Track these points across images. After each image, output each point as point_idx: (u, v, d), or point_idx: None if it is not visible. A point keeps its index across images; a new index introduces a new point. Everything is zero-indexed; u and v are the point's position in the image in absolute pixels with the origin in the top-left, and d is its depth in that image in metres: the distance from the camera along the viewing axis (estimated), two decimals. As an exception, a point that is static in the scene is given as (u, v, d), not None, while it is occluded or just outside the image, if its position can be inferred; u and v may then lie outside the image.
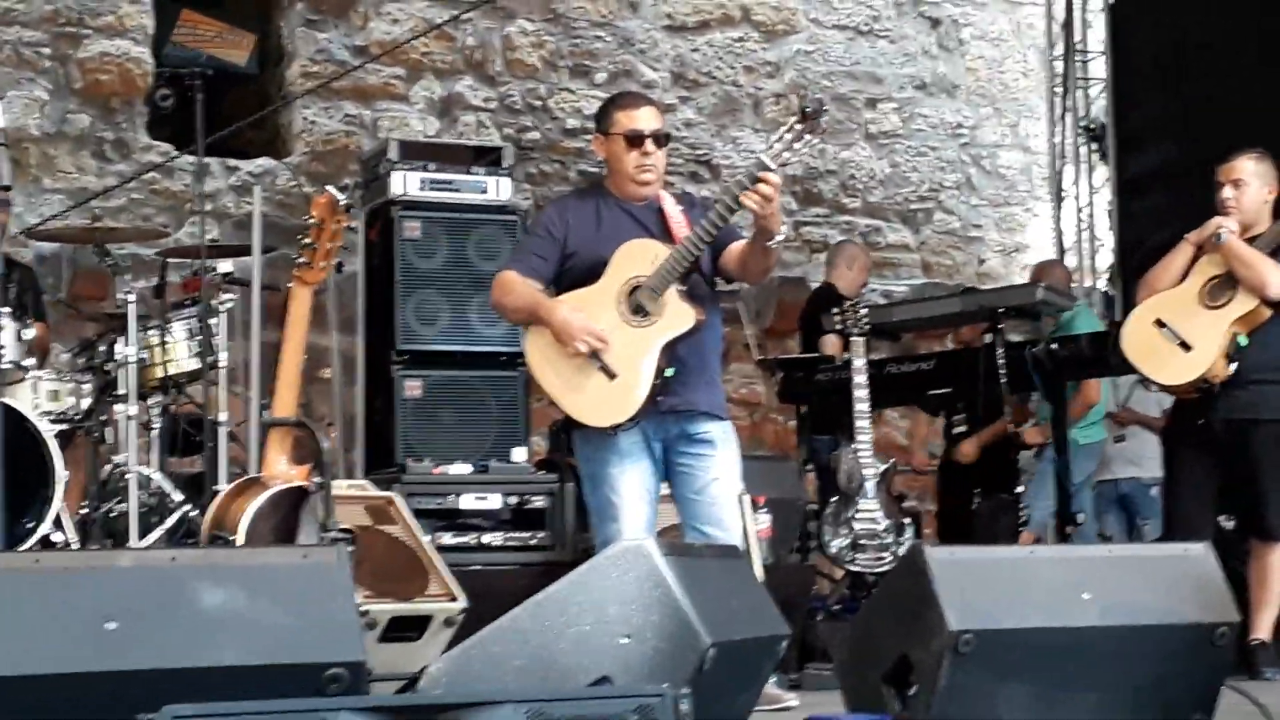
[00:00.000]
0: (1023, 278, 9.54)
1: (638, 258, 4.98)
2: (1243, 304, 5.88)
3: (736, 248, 5.01)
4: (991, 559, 4.28)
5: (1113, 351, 6.55)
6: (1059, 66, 10.13)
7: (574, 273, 5.07)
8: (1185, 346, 5.92)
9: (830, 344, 7.85)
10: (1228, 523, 6.68)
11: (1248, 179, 6.06)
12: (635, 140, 5.08)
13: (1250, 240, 5.97)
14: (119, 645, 3.14)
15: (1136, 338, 6.07)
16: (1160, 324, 5.97)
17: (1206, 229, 6.03)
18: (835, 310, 7.18)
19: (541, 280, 5.07)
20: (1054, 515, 7.50)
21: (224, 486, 5.86)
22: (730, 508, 5.12)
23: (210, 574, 3.32)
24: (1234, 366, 5.87)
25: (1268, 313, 5.89)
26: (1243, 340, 5.88)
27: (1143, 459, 8.18)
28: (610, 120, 5.15)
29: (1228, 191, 6.07)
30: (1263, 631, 6.05)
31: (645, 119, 5.12)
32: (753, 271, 5.05)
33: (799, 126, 4.84)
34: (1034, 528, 7.69)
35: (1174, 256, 6.10)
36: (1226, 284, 5.93)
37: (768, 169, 4.81)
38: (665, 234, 5.04)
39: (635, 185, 5.11)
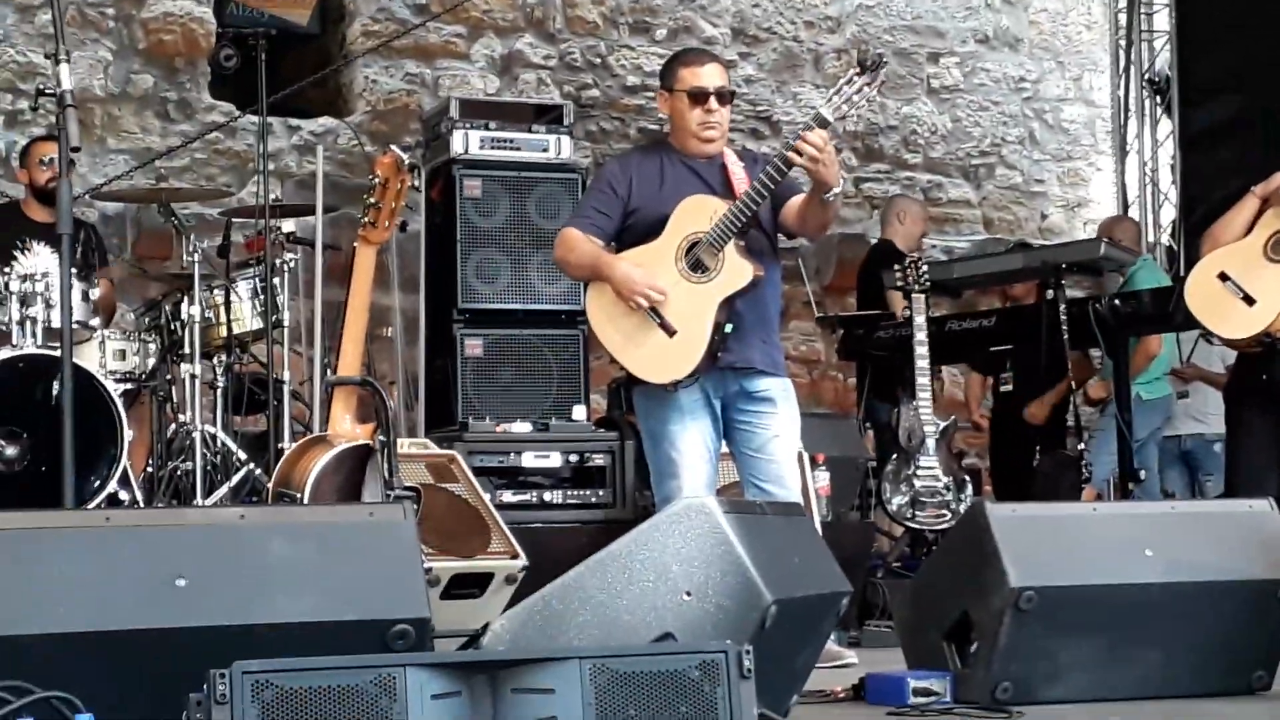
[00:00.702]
0: (1086, 233, 9.49)
1: (697, 214, 4.98)
2: (1309, 258, 5.83)
3: (796, 202, 5.00)
4: (1053, 516, 4.28)
5: (1176, 306, 6.51)
6: (1123, 19, 10.03)
7: (636, 229, 5.08)
8: (1249, 300, 5.87)
9: (894, 300, 7.83)
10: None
11: (1315, 131, 6.01)
12: (700, 97, 5.08)
13: (1318, 194, 5.91)
14: (189, 602, 3.20)
15: (1200, 291, 6.02)
16: (1224, 277, 5.92)
17: (1273, 182, 5.97)
18: (896, 267, 7.16)
19: (604, 236, 5.08)
20: (1116, 471, 7.47)
21: (288, 445, 5.92)
22: (791, 465, 5.13)
23: (278, 531, 3.37)
24: (1298, 321, 5.83)
25: (1334, 267, 5.84)
26: (1308, 294, 5.83)
27: (1206, 414, 8.12)
28: (675, 77, 5.15)
29: (1295, 144, 6.01)
30: (1326, 588, 6.02)
31: (710, 76, 5.11)
32: (811, 226, 5.04)
33: (858, 79, 4.84)
34: (1096, 484, 7.67)
35: (1239, 209, 6.05)
36: (1292, 237, 5.88)
37: (826, 122, 4.81)
38: (728, 191, 5.04)
39: (699, 142, 5.11)
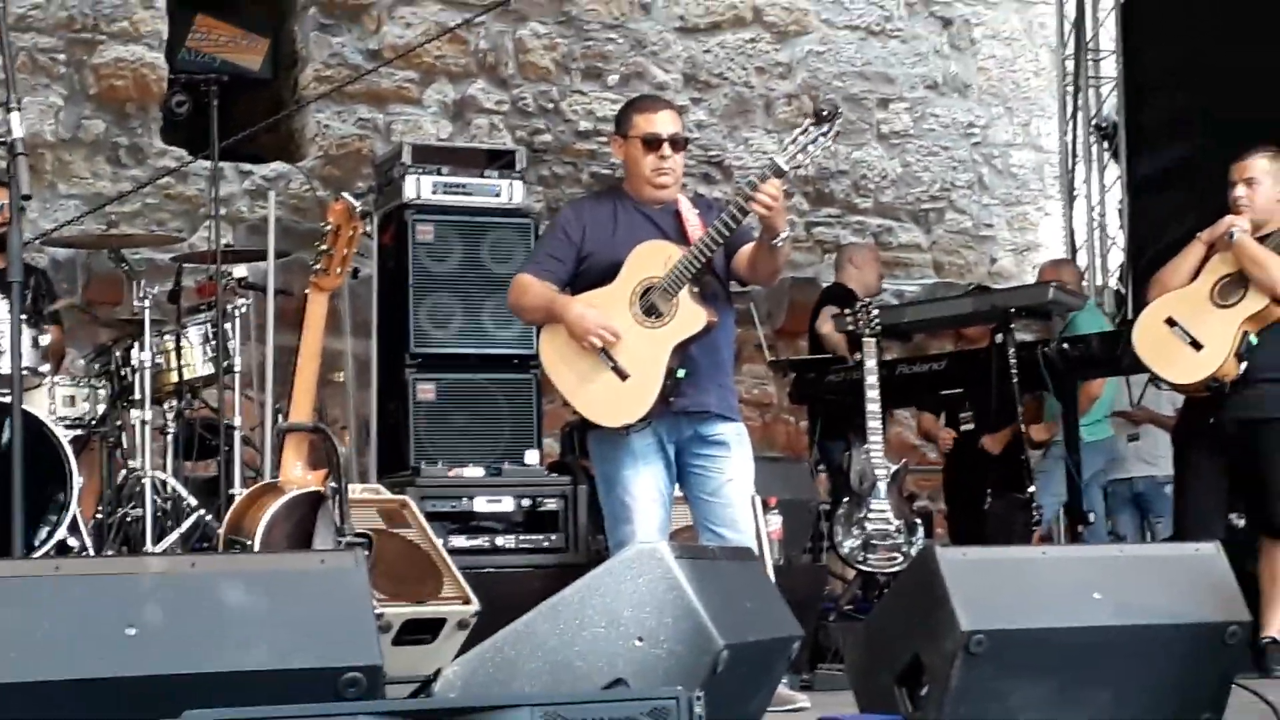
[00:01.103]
0: (1035, 277, 9.54)
1: (651, 259, 5.01)
2: (1254, 303, 5.89)
3: (748, 249, 5.04)
4: (1003, 559, 4.30)
5: (1124, 350, 6.57)
6: (1070, 65, 10.13)
7: (590, 274, 5.10)
8: (1196, 345, 5.93)
9: (836, 340, 7.86)
10: (1239, 521, 6.70)
11: (1260, 177, 6.07)
12: (654, 143, 5.12)
13: (1262, 239, 5.98)
14: (139, 650, 3.17)
15: (1148, 336, 6.08)
16: (1171, 323, 5.99)
17: (1218, 227, 6.05)
18: (846, 310, 7.20)
19: (558, 282, 5.10)
20: (1063, 511, 7.52)
21: (239, 491, 5.89)
22: (744, 509, 5.15)
23: (229, 579, 3.35)
24: (1244, 365, 5.89)
25: (1279, 312, 5.90)
26: (1253, 339, 5.89)
27: (1157, 458, 8.18)
28: (629, 123, 5.18)
29: (1240, 190, 6.08)
30: (1274, 629, 6.06)
31: (663, 122, 5.15)
32: (762, 273, 5.08)
33: (814, 129, 4.88)
34: (1043, 525, 7.70)
35: (1185, 255, 6.12)
36: (1238, 283, 5.94)
37: (782, 171, 4.85)
38: (681, 237, 5.07)
39: (652, 188, 5.14)
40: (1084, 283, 9.73)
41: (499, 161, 7.51)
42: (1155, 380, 6.47)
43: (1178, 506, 6.28)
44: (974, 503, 7.80)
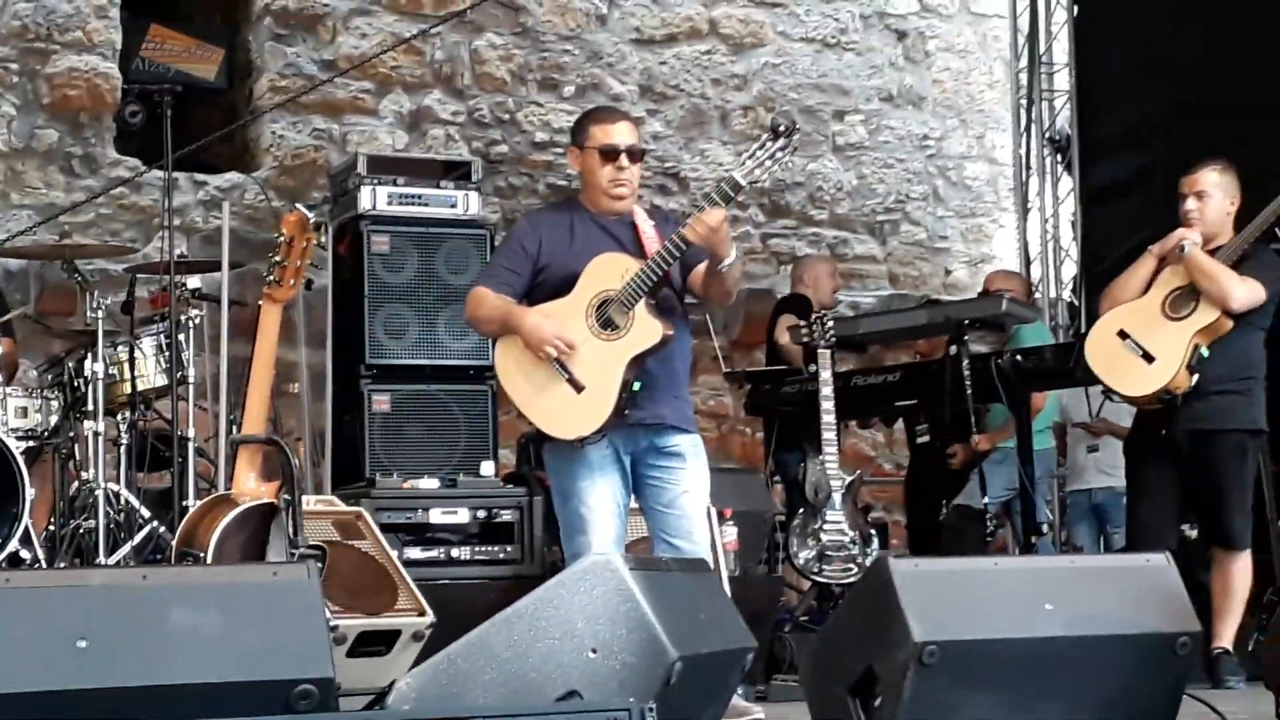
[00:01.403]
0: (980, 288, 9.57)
1: (608, 272, 5.01)
2: (1205, 315, 5.93)
3: (701, 269, 5.05)
4: (955, 570, 4.32)
5: (1077, 362, 6.60)
6: (1024, 78, 10.19)
7: (546, 286, 5.10)
8: (1148, 358, 5.97)
9: (791, 352, 7.90)
10: (1191, 532, 6.74)
11: (1210, 190, 6.12)
12: (610, 155, 5.12)
13: (1213, 252, 6.02)
14: (90, 664, 3.16)
15: (1099, 349, 6.12)
16: (1123, 335, 6.03)
17: (1169, 241, 6.09)
18: (802, 323, 7.22)
19: (514, 295, 5.10)
20: (1014, 524, 7.56)
21: (193, 503, 5.87)
22: (700, 521, 5.15)
23: (181, 592, 3.34)
24: (1196, 378, 5.93)
25: (1229, 324, 5.94)
26: (1205, 352, 5.93)
27: (1115, 468, 8.21)
28: (586, 134, 5.18)
29: (1190, 203, 6.12)
30: (1225, 640, 6.11)
31: (620, 134, 5.16)
32: (713, 294, 5.10)
33: (771, 144, 4.90)
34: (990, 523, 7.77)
35: (1137, 268, 6.16)
36: (1189, 295, 5.98)
37: (739, 186, 4.87)
38: (638, 248, 5.08)
39: (609, 200, 5.15)
40: (1035, 294, 9.80)
41: (455, 172, 7.50)
42: (1107, 393, 6.50)
43: (1130, 518, 6.32)
44: (932, 514, 7.85)
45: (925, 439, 8.13)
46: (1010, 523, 8.13)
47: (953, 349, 7.32)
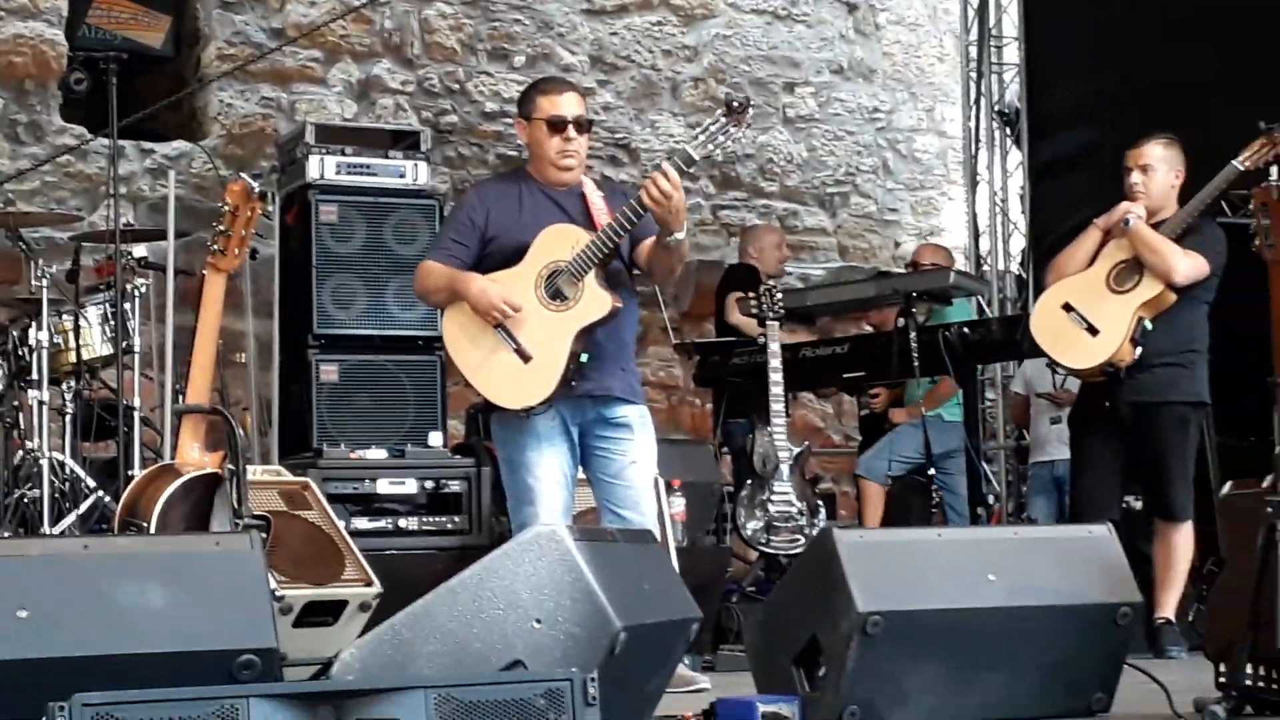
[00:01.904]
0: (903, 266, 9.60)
1: (558, 243, 5.01)
2: (1149, 289, 5.97)
3: (647, 244, 5.05)
4: (899, 541, 4.36)
5: (1023, 335, 6.64)
6: (974, 52, 10.20)
7: (495, 257, 5.09)
8: (1092, 330, 6.01)
9: (739, 321, 7.93)
10: (1136, 503, 6.80)
11: (1155, 164, 6.15)
12: (557, 126, 5.11)
13: (1157, 225, 6.06)
14: (30, 633, 3.16)
15: (1045, 322, 6.15)
16: (1068, 308, 6.06)
17: (1114, 214, 6.12)
18: (750, 294, 7.23)
19: (463, 267, 5.08)
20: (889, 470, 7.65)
21: (138, 472, 5.84)
22: (647, 491, 5.16)
23: (122, 562, 3.33)
24: (1140, 350, 5.97)
25: (1173, 297, 5.99)
26: (1148, 325, 5.97)
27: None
28: (533, 105, 5.17)
29: (1135, 177, 6.16)
30: (1167, 610, 6.17)
31: (568, 104, 5.15)
32: (659, 268, 5.09)
33: (724, 119, 4.90)
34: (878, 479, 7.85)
35: (1082, 241, 6.20)
36: (1133, 269, 6.02)
37: (692, 160, 4.87)
38: (587, 220, 5.07)
39: (557, 170, 5.14)
40: (984, 266, 9.84)
41: (404, 142, 7.47)
42: (1052, 365, 6.54)
43: (1073, 489, 6.36)
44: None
45: (866, 411, 8.20)
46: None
47: (900, 321, 7.34)
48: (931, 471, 7.39)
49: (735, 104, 4.91)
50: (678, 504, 6.43)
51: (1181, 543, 6.15)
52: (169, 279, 6.77)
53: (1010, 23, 9.93)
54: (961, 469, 7.79)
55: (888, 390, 7.87)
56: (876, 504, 7.87)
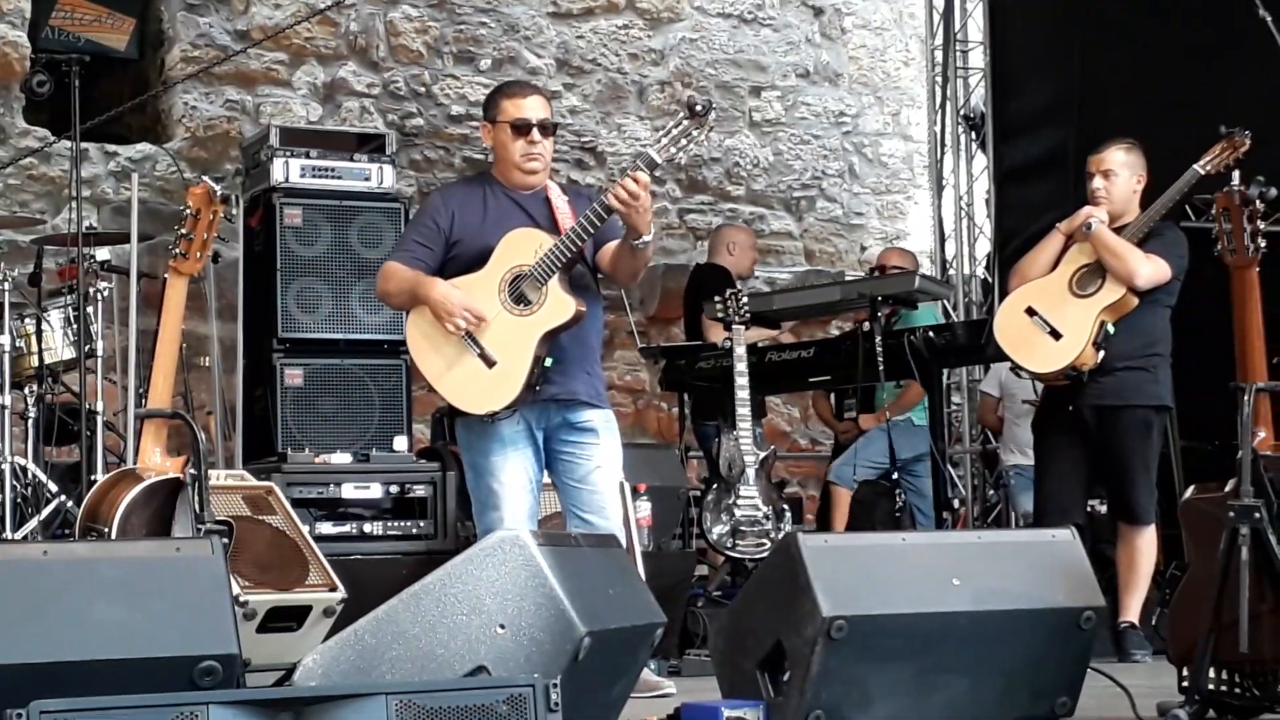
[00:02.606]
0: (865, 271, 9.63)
1: (522, 247, 5.00)
2: (1111, 293, 6.00)
3: (611, 247, 5.04)
4: (864, 545, 4.35)
5: (988, 340, 6.66)
6: (939, 56, 10.23)
7: (459, 261, 5.08)
8: (1055, 334, 6.03)
9: (711, 328, 7.93)
10: (1100, 507, 6.82)
11: (1117, 169, 6.18)
12: (522, 129, 5.10)
13: (1119, 230, 6.09)
14: (-11, 640, 3.13)
15: (1008, 326, 6.17)
16: (1031, 312, 6.08)
17: (1076, 219, 6.15)
18: (717, 298, 7.23)
19: (427, 270, 5.07)
20: (923, 504, 7.63)
21: (100, 477, 5.81)
22: (612, 496, 5.16)
23: (82, 567, 3.31)
24: (1102, 354, 5.99)
25: (1135, 301, 6.01)
26: (1111, 328, 6.00)
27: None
28: (497, 108, 5.16)
29: (1098, 182, 6.19)
30: (1131, 614, 6.19)
31: (532, 108, 5.14)
32: (622, 272, 5.08)
33: (687, 122, 4.89)
34: (845, 483, 7.86)
35: (1044, 245, 6.22)
36: (1095, 273, 6.05)
37: (654, 163, 4.86)
38: (552, 223, 5.06)
39: (522, 174, 5.14)
40: (949, 270, 9.86)
41: (369, 145, 7.46)
42: (1016, 369, 6.56)
43: (1037, 494, 6.37)
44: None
45: (853, 414, 8.22)
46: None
47: (865, 325, 7.35)
48: (896, 476, 7.39)
49: (698, 107, 4.90)
50: (643, 508, 6.43)
51: (1145, 546, 6.17)
52: (132, 282, 6.75)
53: (975, 27, 9.97)
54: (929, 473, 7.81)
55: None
56: (844, 510, 7.88)
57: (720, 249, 8.62)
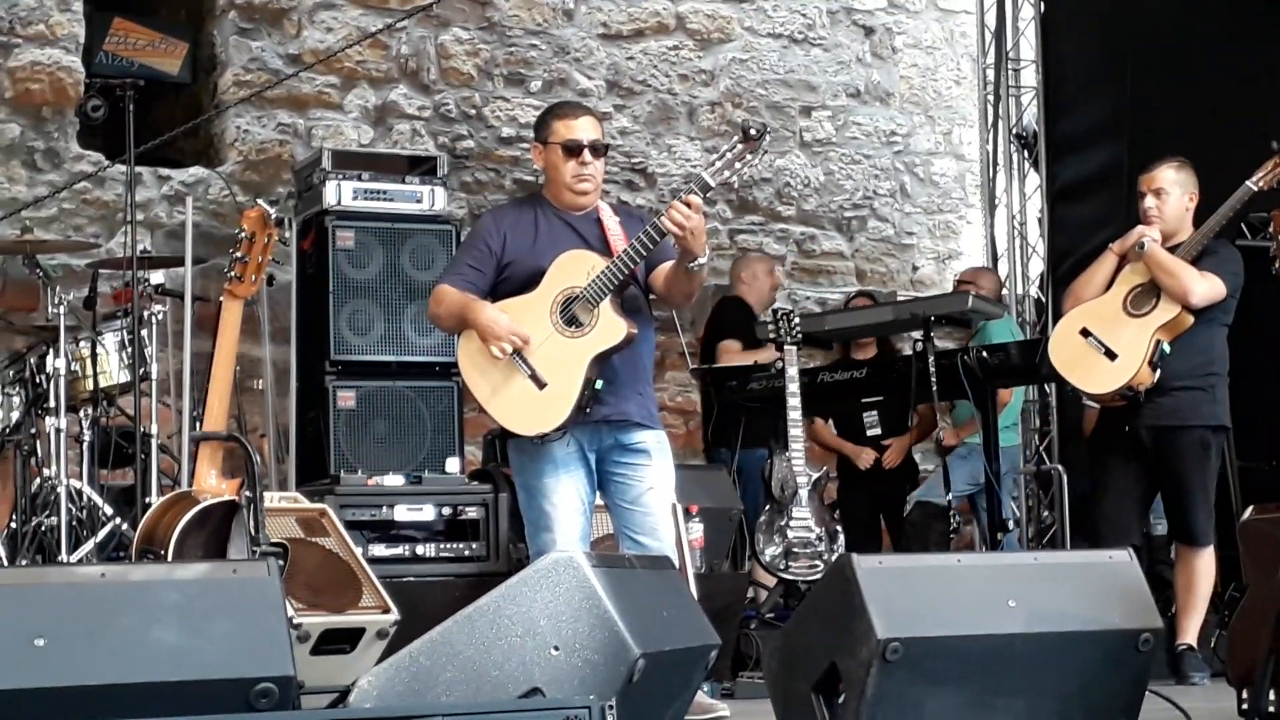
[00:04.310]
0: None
1: (574, 269, 5.00)
2: (1166, 312, 5.96)
3: (664, 269, 5.03)
4: (919, 567, 4.32)
5: (1042, 359, 6.62)
6: (991, 75, 10.20)
7: (511, 282, 5.09)
8: (1110, 355, 5.99)
9: (727, 351, 7.95)
10: (1157, 528, 6.77)
11: (1168, 188, 6.14)
12: (573, 150, 5.11)
13: (1173, 248, 6.05)
14: (48, 662, 3.14)
15: (1063, 347, 6.14)
16: (1086, 333, 6.05)
17: (1129, 238, 6.12)
18: (767, 319, 7.22)
19: (478, 292, 5.08)
20: (979, 521, 7.58)
21: (155, 500, 5.84)
22: (664, 517, 5.15)
23: (140, 589, 3.32)
24: (1158, 374, 5.95)
25: (1190, 320, 5.97)
26: (1167, 348, 5.96)
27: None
28: (548, 130, 5.17)
29: (1149, 201, 6.15)
30: (1189, 636, 6.13)
31: (583, 129, 5.14)
32: (676, 294, 5.08)
33: (741, 146, 4.89)
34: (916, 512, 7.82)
35: (1098, 266, 6.19)
36: (1150, 292, 6.01)
37: (709, 186, 4.86)
38: (603, 244, 5.07)
39: (573, 195, 5.14)
40: (1004, 290, 9.81)
41: (420, 167, 7.48)
42: (1072, 390, 6.53)
43: (1094, 515, 6.33)
44: (866, 508, 7.94)
45: (876, 430, 8.18)
46: (976, 519, 8.15)
47: (918, 345, 7.32)
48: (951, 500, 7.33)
49: (752, 131, 4.90)
50: (696, 530, 6.41)
51: (1203, 568, 6.11)
52: (186, 305, 6.79)
53: (1027, 45, 9.93)
54: (1010, 501, 7.79)
55: (898, 441, 7.90)
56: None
57: (738, 281, 8.65)
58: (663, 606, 3.85)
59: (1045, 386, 8.74)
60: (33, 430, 6.29)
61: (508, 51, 9.77)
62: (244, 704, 3.17)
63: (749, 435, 7.81)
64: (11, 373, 6.52)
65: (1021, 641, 4.11)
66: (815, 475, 7.01)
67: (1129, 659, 4.22)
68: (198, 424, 5.67)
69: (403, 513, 6.61)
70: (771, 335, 7.15)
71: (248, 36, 9.20)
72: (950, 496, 7.32)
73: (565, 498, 5.05)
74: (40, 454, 6.27)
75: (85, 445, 6.36)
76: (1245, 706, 4.17)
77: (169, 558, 4.70)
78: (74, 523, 6.11)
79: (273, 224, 5.10)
